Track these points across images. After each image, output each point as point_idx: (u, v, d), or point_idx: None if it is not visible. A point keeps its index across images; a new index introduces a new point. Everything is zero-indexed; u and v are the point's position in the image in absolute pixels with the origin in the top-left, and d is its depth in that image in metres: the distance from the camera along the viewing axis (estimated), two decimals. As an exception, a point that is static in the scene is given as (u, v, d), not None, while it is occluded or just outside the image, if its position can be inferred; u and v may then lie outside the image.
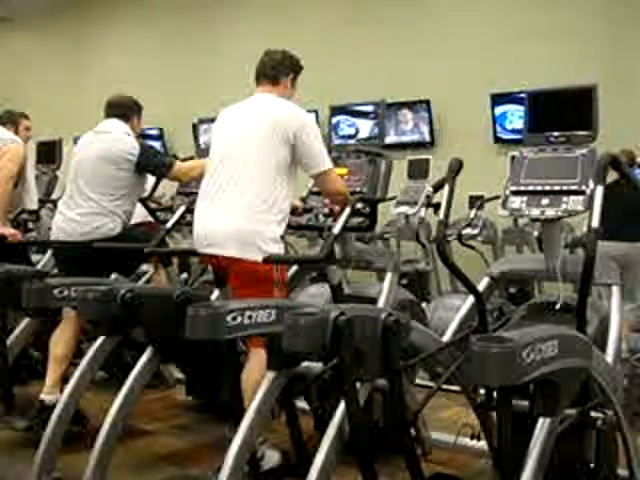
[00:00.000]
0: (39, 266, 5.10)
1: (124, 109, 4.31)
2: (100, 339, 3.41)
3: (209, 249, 3.35)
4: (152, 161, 4.19)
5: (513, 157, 4.02)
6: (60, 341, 3.94)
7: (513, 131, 7.53)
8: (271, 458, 3.13)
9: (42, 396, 3.81)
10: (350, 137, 3.98)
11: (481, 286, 3.24)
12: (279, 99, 3.46)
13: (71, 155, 4.50)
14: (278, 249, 3.30)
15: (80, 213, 4.09)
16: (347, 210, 3.40)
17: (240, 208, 3.27)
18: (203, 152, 4.85)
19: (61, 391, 3.51)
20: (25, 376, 4.58)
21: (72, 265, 4.10)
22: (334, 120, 4.13)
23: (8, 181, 4.85)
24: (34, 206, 5.19)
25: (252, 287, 3.24)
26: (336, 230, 3.35)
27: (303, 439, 3.10)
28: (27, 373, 4.62)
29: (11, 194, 4.91)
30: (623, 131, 5.65)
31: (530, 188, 3.03)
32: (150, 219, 5.11)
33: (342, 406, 2.66)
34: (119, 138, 4.18)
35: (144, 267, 4.73)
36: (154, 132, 9.82)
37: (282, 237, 3.38)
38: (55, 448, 3.30)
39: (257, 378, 2.97)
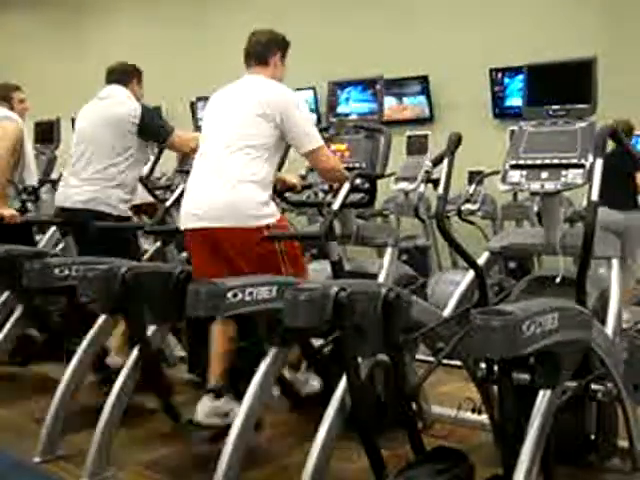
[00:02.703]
0: (39, 246, 5.11)
1: (123, 74, 4.30)
2: (101, 318, 3.42)
3: (201, 223, 3.32)
4: (153, 124, 4.18)
5: (512, 131, 4.01)
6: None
7: (512, 106, 7.49)
8: (312, 385, 3.34)
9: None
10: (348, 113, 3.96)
11: (481, 261, 3.24)
12: (267, 80, 3.47)
13: (70, 134, 4.49)
14: (272, 211, 3.30)
15: (81, 179, 4.12)
16: (346, 186, 3.40)
17: (225, 183, 3.27)
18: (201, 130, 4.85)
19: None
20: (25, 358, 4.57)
21: (78, 235, 4.15)
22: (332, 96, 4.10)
23: (6, 158, 4.78)
24: (34, 181, 5.13)
25: (255, 262, 3.25)
26: (335, 206, 3.35)
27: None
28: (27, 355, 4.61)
29: (11, 173, 4.86)
30: (622, 104, 5.63)
31: (529, 162, 3.02)
32: (149, 200, 5.10)
33: (344, 381, 2.67)
34: (120, 102, 4.18)
35: (145, 245, 4.73)
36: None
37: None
38: (60, 426, 3.32)
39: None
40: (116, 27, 10.67)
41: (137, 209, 4.54)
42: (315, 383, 3.39)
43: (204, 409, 3.25)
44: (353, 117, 3.86)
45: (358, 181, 3.49)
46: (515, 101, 7.45)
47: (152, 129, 4.18)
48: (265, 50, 3.52)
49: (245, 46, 3.56)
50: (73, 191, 4.12)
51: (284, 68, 3.60)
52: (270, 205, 3.32)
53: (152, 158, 4.97)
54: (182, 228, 3.43)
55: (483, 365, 2.82)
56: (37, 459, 3.29)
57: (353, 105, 3.93)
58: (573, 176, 2.90)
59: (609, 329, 2.83)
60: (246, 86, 3.49)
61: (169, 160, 5.67)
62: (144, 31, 10.39)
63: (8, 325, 3.99)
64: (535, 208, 5.55)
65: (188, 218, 3.37)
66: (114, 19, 10.74)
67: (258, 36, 3.56)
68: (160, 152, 4.97)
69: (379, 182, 3.64)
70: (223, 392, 3.27)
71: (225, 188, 3.26)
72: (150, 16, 10.47)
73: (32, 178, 5.07)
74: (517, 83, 7.41)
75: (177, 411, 3.54)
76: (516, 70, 7.20)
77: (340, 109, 3.98)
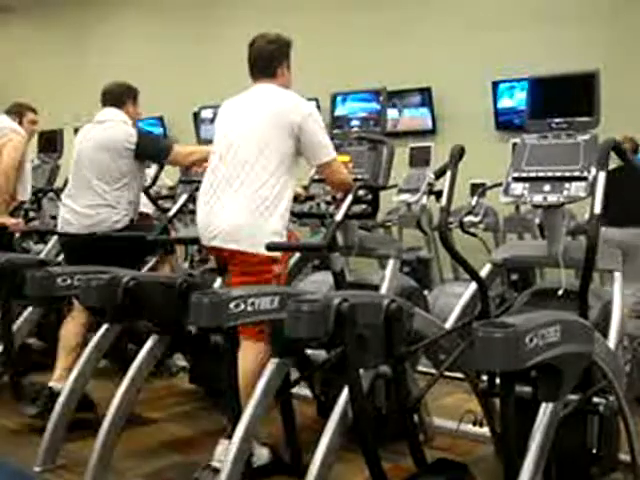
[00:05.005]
0: (42, 255, 5.11)
1: (117, 96, 4.29)
2: (103, 327, 3.42)
3: (212, 242, 3.33)
4: (150, 147, 4.19)
5: (515, 144, 4.02)
6: (71, 330, 3.97)
7: (514, 118, 7.52)
8: (261, 455, 3.13)
9: (51, 383, 3.82)
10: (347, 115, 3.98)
11: (483, 273, 3.24)
12: (281, 90, 3.42)
13: (73, 145, 4.51)
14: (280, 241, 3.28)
15: (83, 205, 4.10)
16: (349, 197, 3.40)
17: (242, 203, 3.24)
18: (204, 141, 4.86)
19: None
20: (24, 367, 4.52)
21: (79, 258, 4.12)
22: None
23: (13, 170, 4.88)
24: (26, 197, 5.21)
25: (250, 276, 3.24)
26: (338, 217, 3.35)
27: (296, 433, 3.11)
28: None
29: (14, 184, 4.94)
30: (625, 117, 5.64)
31: (532, 174, 3.03)
32: (146, 210, 5.11)
33: (345, 393, 2.67)
34: (116, 127, 4.17)
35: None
36: (155, 120, 9.79)
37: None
38: (60, 435, 3.32)
39: (254, 372, 2.99)
40: (119, 37, 10.71)
41: None
42: (264, 453, 3.18)
43: (221, 456, 2.97)
44: (354, 123, 3.87)
45: (361, 192, 3.49)
46: (506, 102, 7.51)
47: (149, 152, 4.20)
48: (270, 63, 3.45)
49: (248, 57, 3.50)
50: (77, 217, 4.12)
51: (290, 75, 3.54)
52: (282, 237, 3.27)
53: (152, 172, 4.99)
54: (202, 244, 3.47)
55: (485, 377, 2.82)
56: (37, 468, 3.28)
57: (350, 105, 3.93)
58: (576, 189, 2.90)
59: (611, 342, 2.83)
60: (259, 97, 3.43)
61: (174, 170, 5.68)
62: (147, 40, 10.42)
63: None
64: (537, 221, 5.55)
65: (204, 236, 3.38)
66: (117, 28, 10.78)
67: (260, 46, 3.47)
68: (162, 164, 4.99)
69: (382, 194, 3.64)
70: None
71: (241, 212, 3.23)
72: (153, 26, 10.51)
73: (25, 194, 5.13)
74: (506, 85, 7.49)
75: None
76: (518, 83, 7.24)
77: (338, 111, 3.99)
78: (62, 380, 3.71)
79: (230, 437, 2.81)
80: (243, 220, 3.23)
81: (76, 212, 4.12)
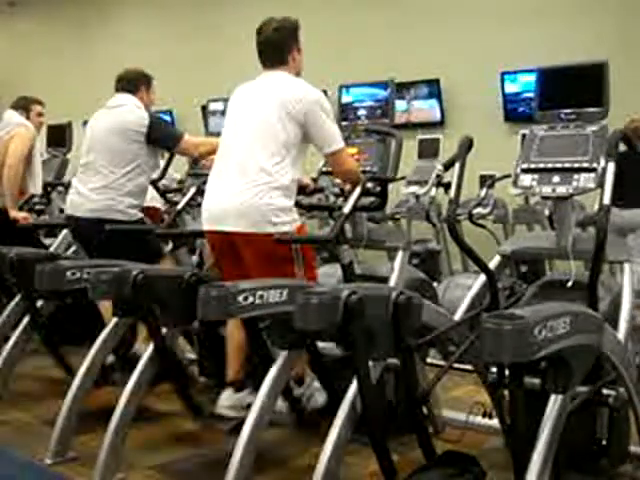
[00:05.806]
0: (51, 249, 5.13)
1: (131, 82, 4.30)
2: (113, 320, 3.43)
3: (220, 226, 3.31)
4: (161, 132, 4.19)
5: (524, 135, 4.02)
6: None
7: (524, 109, 7.49)
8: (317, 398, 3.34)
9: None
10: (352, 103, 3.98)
11: (492, 265, 3.23)
12: (290, 78, 3.41)
13: (81, 139, 4.52)
14: (292, 219, 3.27)
15: (90, 188, 4.12)
16: (358, 190, 3.40)
17: (248, 185, 3.24)
18: (213, 134, 4.86)
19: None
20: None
21: (91, 245, 4.16)
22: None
23: (20, 164, 4.91)
24: (37, 191, 5.23)
25: (268, 267, 3.24)
26: (347, 210, 3.35)
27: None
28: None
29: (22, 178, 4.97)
30: (634, 108, 5.60)
31: (541, 166, 3.02)
32: (154, 204, 5.11)
33: (354, 385, 2.67)
34: (128, 111, 4.19)
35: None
36: (163, 114, 9.79)
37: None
38: (71, 428, 3.33)
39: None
40: (127, 30, 10.72)
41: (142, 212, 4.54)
42: (320, 398, 3.36)
43: (224, 402, 3.32)
44: (361, 112, 3.86)
45: (369, 185, 3.49)
46: (510, 87, 7.54)
47: (160, 137, 4.18)
48: (280, 51, 3.43)
49: (257, 45, 3.47)
50: (82, 200, 4.14)
51: (301, 54, 3.50)
52: (291, 212, 3.28)
53: (163, 163, 4.99)
54: (204, 229, 3.43)
55: (494, 369, 2.81)
56: (49, 461, 3.30)
57: (356, 92, 3.92)
58: (585, 180, 2.89)
59: (621, 333, 2.82)
60: (269, 84, 3.42)
61: (182, 163, 5.69)
62: (151, 36, 10.42)
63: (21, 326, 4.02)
64: (547, 212, 5.54)
65: (208, 220, 3.38)
66: (124, 22, 10.79)
67: (268, 33, 3.44)
68: (172, 155, 4.99)
69: (390, 186, 3.63)
70: (243, 385, 3.34)
71: (247, 192, 3.23)
72: (157, 21, 10.52)
73: (36, 188, 5.16)
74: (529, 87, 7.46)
75: (199, 405, 3.57)
76: (527, 74, 7.21)
77: (345, 99, 3.98)
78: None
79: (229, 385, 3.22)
80: (248, 201, 3.23)
81: (81, 194, 4.14)
